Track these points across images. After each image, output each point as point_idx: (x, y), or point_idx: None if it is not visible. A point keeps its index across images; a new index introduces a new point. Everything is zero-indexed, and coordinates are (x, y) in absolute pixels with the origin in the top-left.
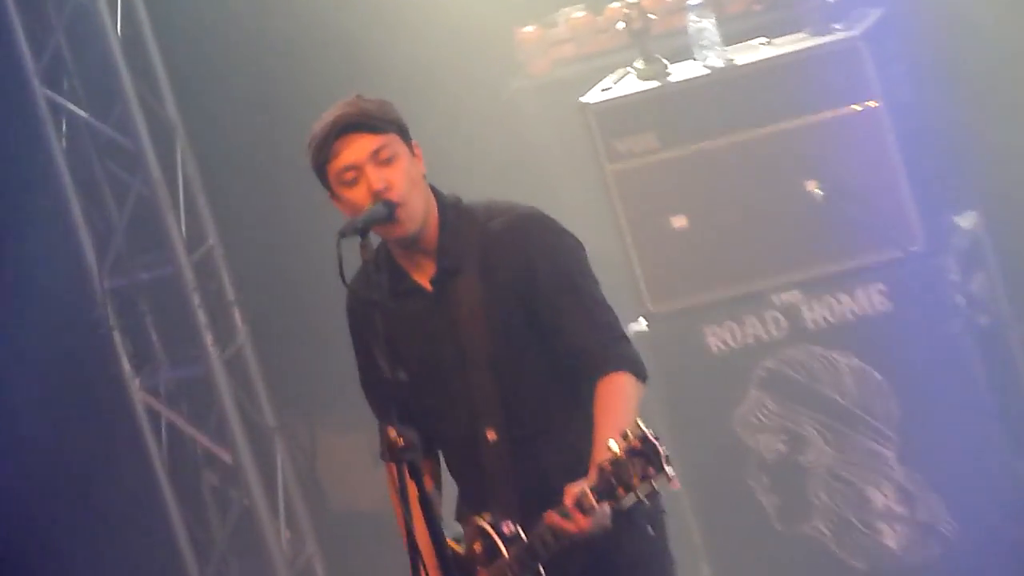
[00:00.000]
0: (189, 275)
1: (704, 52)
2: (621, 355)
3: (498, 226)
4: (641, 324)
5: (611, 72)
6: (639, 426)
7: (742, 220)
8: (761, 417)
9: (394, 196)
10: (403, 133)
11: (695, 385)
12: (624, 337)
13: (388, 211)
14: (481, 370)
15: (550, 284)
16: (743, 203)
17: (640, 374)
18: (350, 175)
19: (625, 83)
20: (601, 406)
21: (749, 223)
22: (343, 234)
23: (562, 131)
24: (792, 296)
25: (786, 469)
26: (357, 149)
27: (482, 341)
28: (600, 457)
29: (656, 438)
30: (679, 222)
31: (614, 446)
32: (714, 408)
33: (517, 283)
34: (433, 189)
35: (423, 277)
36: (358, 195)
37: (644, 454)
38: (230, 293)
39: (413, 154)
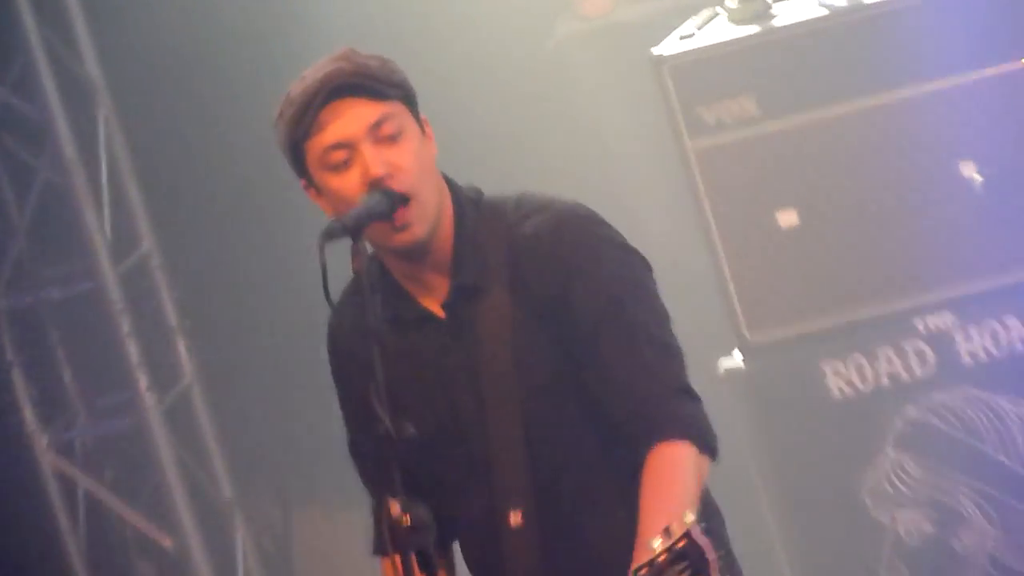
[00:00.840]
0: (115, 293)
1: None
2: (678, 416)
3: (532, 229)
4: (735, 359)
5: (694, 14)
6: (686, 519)
7: (872, 216)
8: (900, 485)
9: (401, 185)
10: (411, 102)
11: (810, 442)
12: (686, 391)
13: (392, 205)
14: (507, 428)
15: (589, 313)
16: (874, 193)
17: (704, 443)
18: (339, 155)
19: (713, 29)
20: (646, 488)
21: (883, 220)
22: (329, 235)
23: (626, 94)
24: (942, 320)
25: (934, 556)
26: (351, 120)
27: (510, 387)
28: (637, 559)
29: (706, 535)
30: (787, 219)
31: (655, 544)
32: (836, 473)
33: (557, 308)
34: (447, 180)
35: (432, 300)
36: (348, 184)
37: (687, 557)
38: (171, 317)
39: (423, 131)
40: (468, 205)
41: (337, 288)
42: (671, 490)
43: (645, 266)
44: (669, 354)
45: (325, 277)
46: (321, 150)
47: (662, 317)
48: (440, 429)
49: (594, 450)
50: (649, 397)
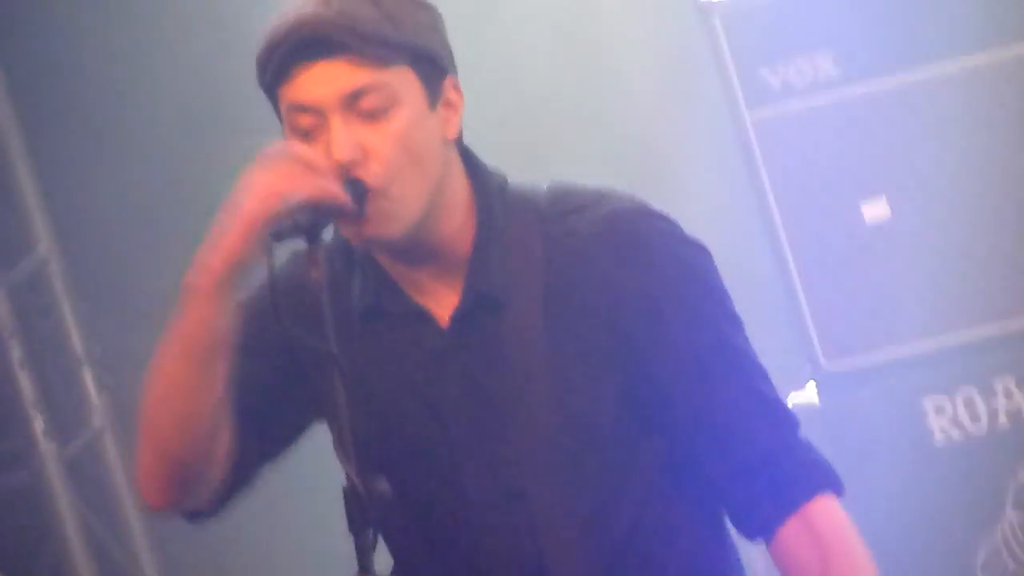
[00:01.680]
0: (4, 309)
1: None
2: (815, 463)
3: (581, 229)
4: (808, 393)
5: None
6: None
7: (987, 207)
8: (1023, 554)
9: (372, 177)
10: (425, 63)
11: (905, 500)
12: (799, 424)
13: (356, 197)
14: (554, 494)
15: (677, 343)
16: (988, 177)
17: (840, 489)
18: (304, 120)
19: None
20: (818, 565)
21: (1000, 212)
22: (278, 237)
23: (666, 50)
24: None
25: None
26: (322, 82)
27: (546, 430)
28: None
29: None
30: (875, 211)
31: None
32: (939, 540)
33: (618, 329)
34: (469, 161)
35: (433, 304)
36: None
37: None
38: (76, 342)
39: (438, 103)
40: (496, 198)
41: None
42: (856, 568)
43: (720, 276)
44: (773, 388)
45: (274, 287)
46: (287, 106)
47: (746, 336)
48: (406, 462)
49: (646, 520)
50: (776, 442)
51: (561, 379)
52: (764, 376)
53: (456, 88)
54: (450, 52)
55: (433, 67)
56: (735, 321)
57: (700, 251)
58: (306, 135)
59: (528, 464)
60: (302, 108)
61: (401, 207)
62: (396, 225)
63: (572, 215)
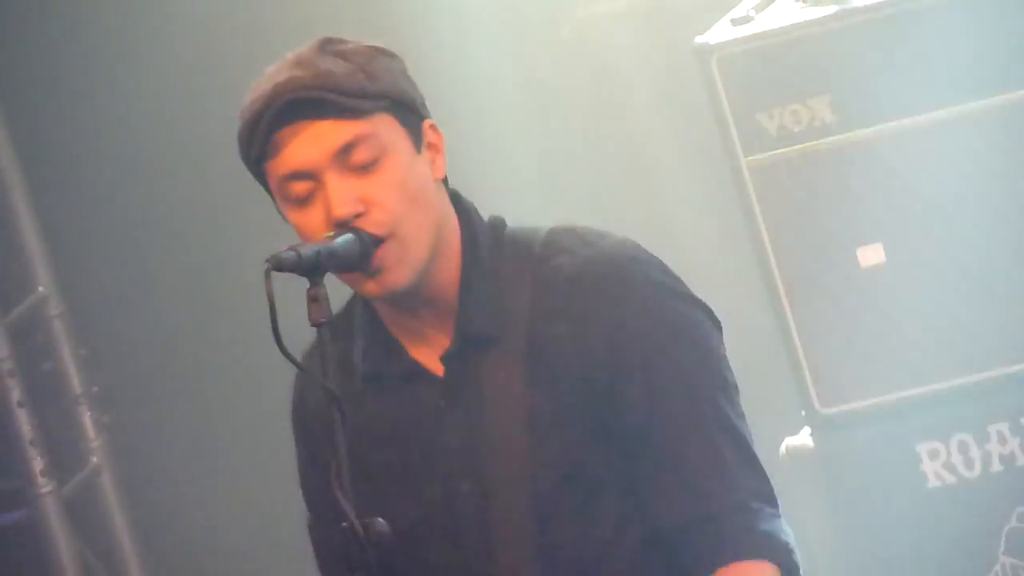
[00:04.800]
0: (3, 349)
1: None
2: (761, 530)
3: (566, 270)
4: (803, 437)
5: None
6: None
7: (983, 252)
8: None
9: (377, 226)
10: (403, 109)
11: (899, 545)
12: (768, 499)
13: (363, 249)
14: (515, 529)
15: (644, 386)
16: (985, 222)
17: (789, 569)
18: (299, 187)
19: (776, 11)
20: None
21: (996, 257)
22: (278, 265)
23: (661, 91)
24: None
25: None
26: (310, 144)
27: (521, 470)
28: None
29: None
30: (871, 256)
31: None
32: None
33: (592, 376)
34: (457, 202)
35: (429, 353)
36: (311, 222)
37: None
38: (75, 382)
39: (421, 146)
40: (483, 236)
41: (296, 340)
42: None
43: (715, 326)
44: (745, 445)
45: (274, 314)
46: (278, 179)
47: (734, 395)
48: (427, 523)
49: (625, 560)
50: (724, 502)
51: (538, 417)
52: (737, 438)
53: (434, 129)
54: (422, 95)
55: (411, 112)
56: (714, 378)
57: (686, 302)
58: (302, 202)
59: (502, 493)
60: (295, 175)
61: (412, 251)
62: (407, 271)
63: (560, 256)
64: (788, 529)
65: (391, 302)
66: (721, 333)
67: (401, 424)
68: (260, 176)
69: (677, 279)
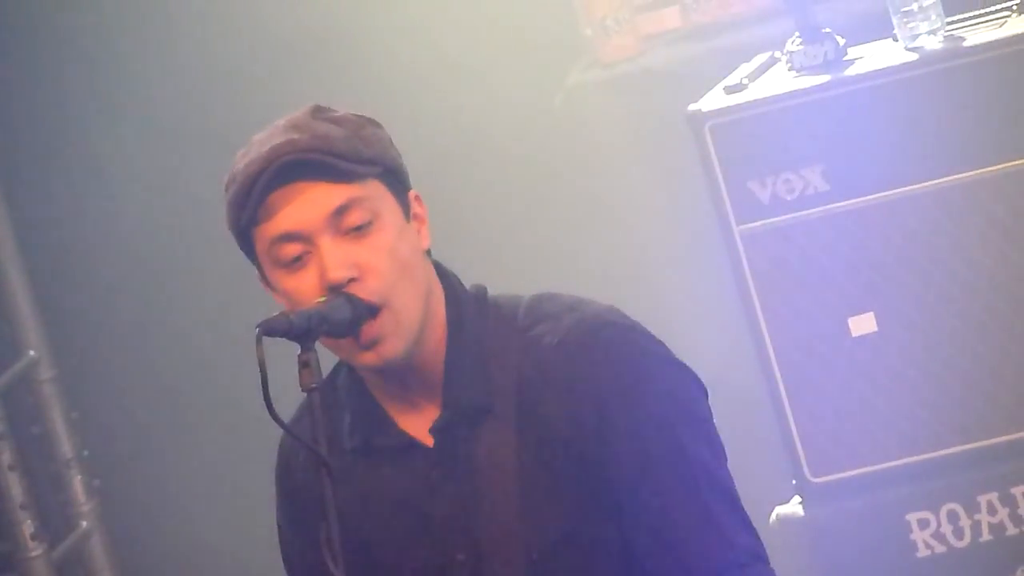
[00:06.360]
0: None
1: (911, 24)
2: None
3: (550, 338)
4: (794, 506)
5: (744, 60)
6: None
7: (974, 322)
8: None
9: (370, 293)
10: (392, 177)
11: None
12: (759, 558)
13: (356, 318)
14: None
15: (633, 452)
16: (976, 293)
17: None
18: (291, 250)
19: (769, 79)
20: None
21: (988, 327)
22: (269, 331)
23: (654, 160)
24: None
25: None
26: (305, 207)
27: (514, 538)
28: None
29: None
30: (862, 325)
31: None
32: None
33: (582, 443)
34: (440, 272)
35: (419, 423)
36: (304, 287)
37: None
38: (66, 445)
39: (409, 214)
40: (467, 306)
41: (286, 406)
42: None
43: (700, 390)
44: (737, 503)
45: (265, 379)
46: (269, 241)
47: (722, 459)
48: None
49: None
50: (721, 562)
51: (529, 486)
52: (728, 497)
53: (419, 200)
54: (406, 167)
55: (399, 181)
56: (702, 441)
57: (671, 366)
58: (294, 265)
59: (493, 563)
60: (288, 237)
61: (405, 322)
62: (401, 343)
63: (542, 324)
64: None
65: (380, 372)
66: (707, 398)
67: (392, 496)
68: (247, 243)
69: (660, 344)
